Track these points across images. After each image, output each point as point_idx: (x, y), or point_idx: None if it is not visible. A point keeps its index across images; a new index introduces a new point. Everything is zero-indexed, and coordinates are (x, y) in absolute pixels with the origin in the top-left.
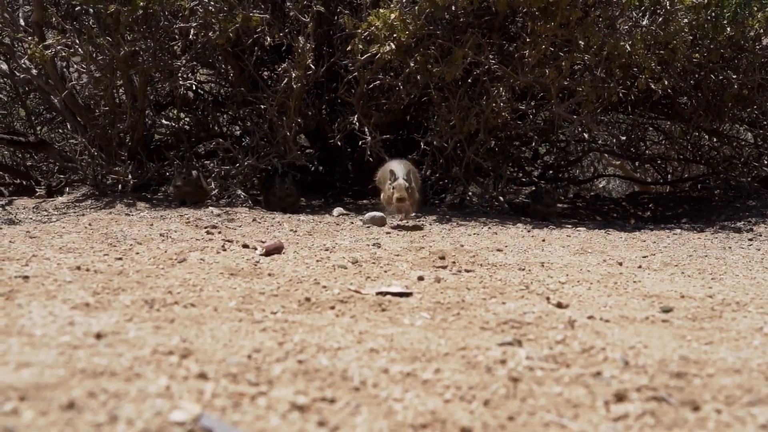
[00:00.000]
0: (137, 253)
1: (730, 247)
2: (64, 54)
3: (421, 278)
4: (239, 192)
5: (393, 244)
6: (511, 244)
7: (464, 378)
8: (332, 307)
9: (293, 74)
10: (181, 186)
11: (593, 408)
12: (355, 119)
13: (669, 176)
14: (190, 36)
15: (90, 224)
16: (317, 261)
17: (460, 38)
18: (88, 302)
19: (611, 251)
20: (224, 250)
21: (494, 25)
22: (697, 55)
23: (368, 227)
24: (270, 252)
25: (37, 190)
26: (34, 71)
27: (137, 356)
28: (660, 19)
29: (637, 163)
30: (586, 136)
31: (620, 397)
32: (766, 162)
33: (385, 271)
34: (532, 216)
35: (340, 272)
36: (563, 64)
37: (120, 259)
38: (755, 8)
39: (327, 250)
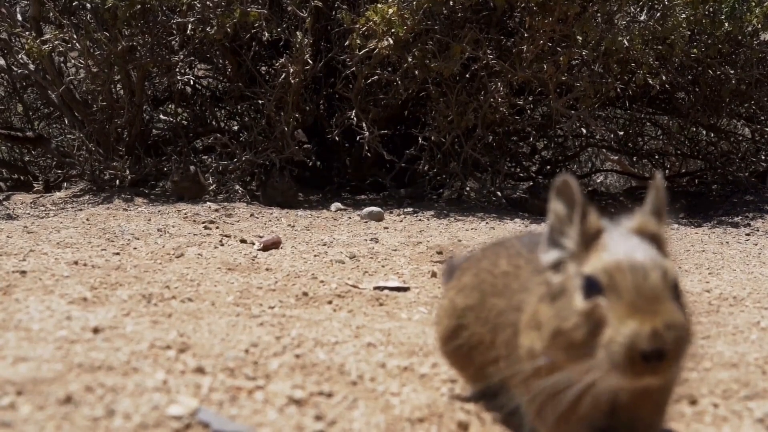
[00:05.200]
0: (135, 248)
1: (727, 242)
2: (61, 49)
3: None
4: (237, 187)
5: (391, 239)
6: None
7: None
8: (330, 302)
9: (291, 69)
10: (178, 181)
11: None
12: (353, 114)
13: (667, 171)
14: (188, 31)
15: (88, 219)
16: (315, 256)
17: (458, 33)
18: (86, 297)
19: None
20: (222, 245)
21: (492, 20)
22: (694, 50)
23: (366, 222)
24: (268, 247)
25: (35, 185)
26: (31, 66)
27: (135, 351)
28: (658, 15)
29: (634, 159)
30: (583, 131)
31: None
32: (763, 157)
33: (383, 266)
34: (530, 211)
35: (338, 267)
36: (561, 59)
37: (117, 254)
38: (753, 3)
39: (325, 245)
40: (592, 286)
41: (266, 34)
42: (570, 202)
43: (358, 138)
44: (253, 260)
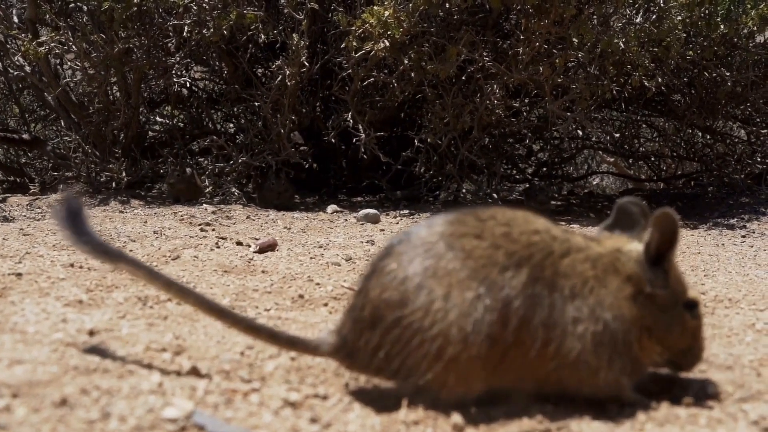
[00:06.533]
0: (131, 251)
1: (723, 244)
2: (57, 51)
3: None
4: (233, 189)
5: (387, 241)
6: None
7: None
8: (325, 304)
9: (287, 71)
10: (174, 183)
11: None
12: (349, 116)
13: (662, 173)
14: (184, 33)
15: None
16: (311, 258)
17: (454, 35)
18: (81, 299)
19: None
20: (218, 247)
21: (488, 22)
22: (690, 52)
23: (362, 224)
24: (264, 249)
25: (31, 187)
26: (27, 68)
27: (130, 353)
28: (654, 17)
29: (630, 160)
30: (579, 133)
31: None
32: (759, 159)
33: None
34: None
35: (334, 269)
36: (557, 61)
37: None
38: (749, 6)
39: (321, 247)
40: None
41: (262, 37)
42: None
43: (354, 140)
44: (249, 262)
